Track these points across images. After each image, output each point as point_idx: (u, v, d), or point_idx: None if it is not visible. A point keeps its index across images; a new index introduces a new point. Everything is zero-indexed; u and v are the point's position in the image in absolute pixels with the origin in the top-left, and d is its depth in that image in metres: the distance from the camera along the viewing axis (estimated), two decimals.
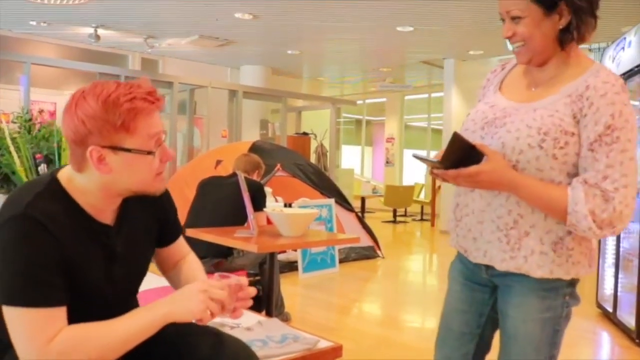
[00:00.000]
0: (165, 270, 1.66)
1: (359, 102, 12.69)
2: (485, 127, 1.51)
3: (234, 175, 3.84)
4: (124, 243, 1.41)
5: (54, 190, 1.31)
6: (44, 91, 7.96)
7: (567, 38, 1.43)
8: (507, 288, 1.53)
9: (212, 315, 1.31)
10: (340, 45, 8.45)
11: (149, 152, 1.31)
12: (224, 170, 5.18)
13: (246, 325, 2.42)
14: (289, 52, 9.06)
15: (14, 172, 4.98)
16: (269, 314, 3.21)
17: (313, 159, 10.25)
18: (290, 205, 5.46)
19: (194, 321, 1.33)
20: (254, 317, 2.64)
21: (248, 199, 3.05)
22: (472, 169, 1.39)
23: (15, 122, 5.65)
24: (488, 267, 1.54)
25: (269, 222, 3.73)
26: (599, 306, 4.58)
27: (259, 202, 3.47)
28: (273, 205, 4.76)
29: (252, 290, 1.43)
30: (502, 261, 1.48)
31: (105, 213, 1.37)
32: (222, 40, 8.20)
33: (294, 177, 6.22)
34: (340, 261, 6.16)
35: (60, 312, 1.24)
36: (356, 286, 5.79)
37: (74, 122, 1.26)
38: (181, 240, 1.66)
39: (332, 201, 6.22)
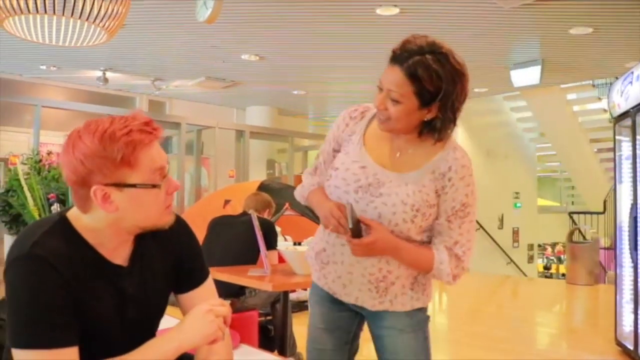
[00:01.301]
0: None
1: None
2: (360, 191, 1.65)
3: (245, 214, 3.82)
4: (136, 284, 1.36)
5: (62, 229, 1.27)
6: (53, 133, 8.03)
7: (425, 130, 1.62)
8: (376, 316, 1.75)
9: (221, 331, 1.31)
10: (346, 85, 8.53)
11: (154, 186, 1.27)
12: (233, 210, 5.17)
13: None
14: (295, 92, 9.14)
15: (25, 212, 4.99)
16: (282, 354, 3.14)
17: None
18: (299, 244, 5.42)
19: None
20: (269, 357, 2.59)
21: (261, 238, 3.03)
22: (370, 238, 1.59)
23: (25, 164, 5.69)
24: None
25: (280, 260, 3.70)
26: (619, 344, 4.47)
27: (271, 241, 3.45)
28: (282, 244, 4.73)
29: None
30: (372, 306, 1.72)
31: (117, 252, 1.33)
32: (229, 81, 8.30)
33: (302, 216, 6.19)
34: None
35: (71, 352, 1.20)
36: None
37: (73, 164, 1.22)
38: (208, 287, 1.51)
39: None
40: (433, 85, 1.52)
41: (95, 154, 1.21)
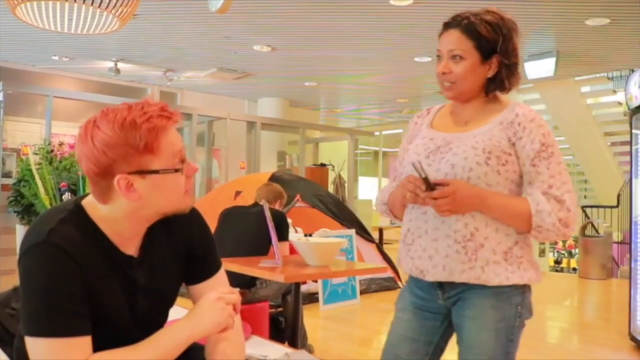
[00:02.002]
0: None
1: (376, 133, 12.70)
2: (430, 155, 1.65)
3: (256, 205, 3.81)
4: (147, 274, 1.35)
5: (78, 217, 1.26)
6: (65, 124, 8.06)
7: (492, 87, 1.64)
8: (462, 302, 1.63)
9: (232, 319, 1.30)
10: (357, 76, 8.49)
11: (176, 170, 1.26)
12: (243, 201, 5.16)
13: (273, 357, 2.36)
14: (306, 84, 9.11)
15: (38, 201, 5.01)
16: (293, 345, 3.13)
17: (331, 190, 10.21)
18: (310, 236, 5.40)
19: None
20: (280, 348, 2.57)
21: (273, 229, 3.01)
22: (450, 187, 1.52)
23: (37, 154, 5.71)
24: (444, 290, 1.65)
25: (291, 251, 3.68)
26: (633, 339, 4.43)
27: (282, 232, 3.43)
28: (293, 235, 4.72)
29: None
30: (461, 272, 1.58)
31: (130, 242, 1.32)
32: (240, 72, 8.28)
33: (313, 208, 6.18)
34: (361, 292, 6.07)
35: (84, 341, 1.20)
36: (378, 318, 5.67)
37: (95, 155, 1.20)
38: (220, 278, 1.49)
39: (352, 232, 6.15)
40: (490, 34, 1.59)
41: (118, 142, 1.19)
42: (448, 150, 1.62)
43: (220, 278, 1.49)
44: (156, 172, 1.23)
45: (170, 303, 1.45)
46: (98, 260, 1.25)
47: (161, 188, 1.25)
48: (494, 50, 1.60)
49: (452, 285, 1.63)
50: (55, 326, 1.17)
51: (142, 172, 1.22)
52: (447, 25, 1.64)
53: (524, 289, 1.62)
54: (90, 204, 1.29)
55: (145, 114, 1.21)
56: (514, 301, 1.60)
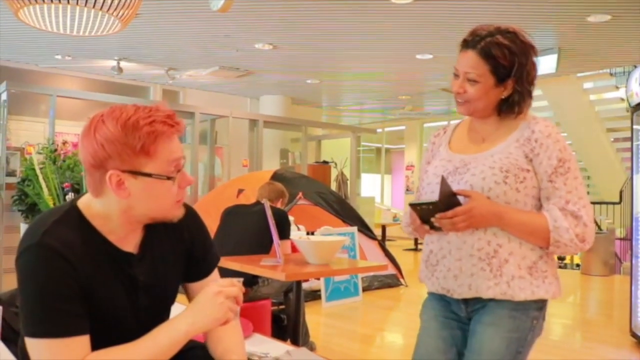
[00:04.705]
0: None
1: (378, 130, 12.70)
2: (449, 177, 1.66)
3: (258, 203, 3.83)
4: (147, 272, 1.36)
5: (73, 217, 1.28)
6: (68, 123, 8.08)
7: (504, 107, 1.66)
8: (482, 309, 1.65)
9: (232, 312, 1.30)
10: (359, 74, 8.49)
11: (169, 178, 1.28)
12: (246, 199, 5.18)
13: (274, 355, 2.37)
14: (308, 81, 9.12)
15: (41, 201, 5.03)
16: (295, 343, 3.15)
17: (334, 187, 10.22)
18: (312, 234, 5.42)
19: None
20: (281, 346, 2.59)
21: (274, 227, 3.03)
22: (467, 206, 1.55)
23: (40, 153, 5.73)
24: (467, 304, 1.67)
25: (293, 250, 3.71)
26: (634, 335, 4.44)
27: (284, 230, 3.45)
28: (295, 233, 4.73)
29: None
30: (487, 289, 1.60)
31: (128, 240, 1.33)
32: (242, 70, 8.29)
33: (315, 206, 6.20)
34: (363, 290, 6.09)
35: (82, 341, 1.22)
36: (380, 315, 5.69)
37: (93, 147, 1.23)
38: (215, 277, 1.55)
39: (354, 229, 6.17)
40: (507, 60, 1.60)
41: (117, 139, 1.22)
42: (466, 171, 1.65)
43: (216, 275, 1.54)
44: (149, 175, 1.25)
45: (171, 300, 1.47)
46: (96, 259, 1.27)
47: (151, 192, 1.27)
48: (509, 74, 1.62)
49: (477, 300, 1.65)
50: (51, 326, 1.19)
51: (135, 173, 1.25)
52: (465, 44, 1.65)
53: (543, 304, 1.65)
54: (85, 203, 1.31)
55: (150, 117, 1.24)
56: (531, 314, 1.63)
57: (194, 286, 1.51)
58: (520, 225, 1.58)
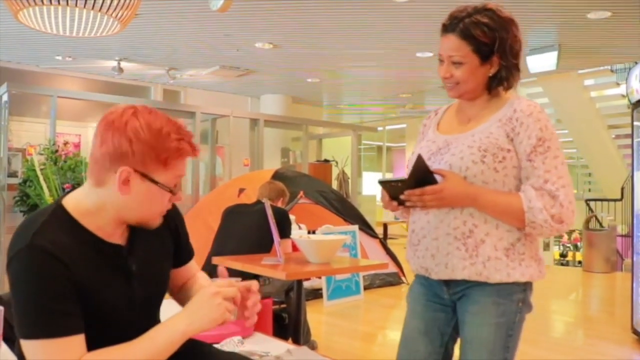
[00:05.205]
0: (174, 291, 1.63)
1: (379, 128, 12.70)
2: (432, 157, 1.69)
3: (259, 202, 3.84)
4: (139, 262, 1.39)
5: (59, 217, 1.29)
6: (69, 123, 8.10)
7: (494, 84, 1.67)
8: (465, 298, 1.66)
9: (230, 313, 1.31)
10: (360, 72, 8.49)
11: (171, 191, 1.34)
12: (247, 199, 5.19)
13: (275, 354, 2.38)
14: (309, 80, 9.12)
15: (42, 202, 5.04)
16: (296, 342, 3.16)
17: (335, 186, 10.23)
18: (313, 232, 5.43)
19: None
20: (282, 345, 2.60)
21: (274, 226, 3.04)
22: (438, 186, 1.57)
23: (42, 154, 5.75)
24: (449, 286, 1.68)
25: (294, 249, 3.71)
26: (635, 332, 4.44)
27: (284, 229, 3.45)
28: (297, 232, 4.74)
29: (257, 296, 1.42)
30: (463, 269, 1.60)
31: (115, 233, 1.36)
32: (243, 70, 8.30)
33: (316, 205, 6.20)
34: (365, 288, 6.09)
35: (78, 340, 1.22)
36: (382, 313, 5.70)
37: (120, 139, 1.26)
38: (193, 262, 1.65)
39: (355, 228, 6.18)
40: (487, 37, 1.61)
41: (148, 141, 1.26)
42: (447, 151, 1.67)
43: (192, 263, 1.64)
44: (156, 182, 1.30)
45: (164, 287, 1.51)
46: (87, 255, 1.28)
47: (150, 197, 1.32)
48: (492, 51, 1.62)
49: (456, 282, 1.66)
50: (46, 327, 1.19)
51: (145, 176, 1.28)
52: (445, 29, 1.66)
53: (525, 286, 1.64)
54: (70, 201, 1.33)
55: (180, 134, 1.30)
56: (515, 297, 1.63)
57: (175, 272, 1.58)
58: (495, 206, 1.59)
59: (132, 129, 1.26)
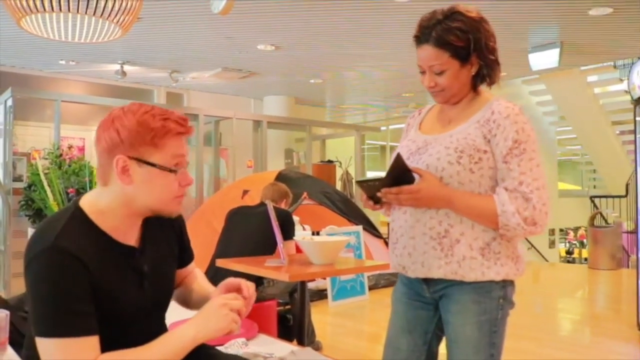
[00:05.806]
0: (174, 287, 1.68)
1: (382, 128, 12.70)
2: (411, 156, 1.72)
3: (262, 204, 3.85)
4: (150, 262, 1.44)
5: (78, 219, 1.34)
6: (73, 127, 8.13)
7: (478, 82, 1.71)
8: (446, 298, 1.69)
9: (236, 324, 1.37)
10: (362, 72, 8.49)
11: (171, 170, 1.35)
12: (251, 200, 5.20)
13: (279, 355, 2.39)
14: (312, 81, 9.13)
15: (46, 207, 5.07)
16: (301, 343, 3.17)
17: (339, 186, 10.23)
18: (318, 233, 5.44)
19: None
20: (286, 346, 2.61)
21: (277, 228, 3.05)
22: (414, 186, 1.60)
23: (46, 159, 5.78)
24: (428, 285, 1.71)
25: (297, 250, 3.72)
26: None
27: (288, 231, 3.46)
28: (301, 233, 4.75)
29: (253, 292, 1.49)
30: (438, 268, 1.63)
31: (128, 235, 1.40)
32: (245, 72, 8.31)
33: (320, 205, 6.21)
34: (370, 288, 6.10)
35: (94, 341, 1.25)
36: (387, 313, 5.65)
37: (109, 133, 1.33)
38: (194, 265, 1.71)
39: (359, 228, 6.19)
40: (461, 40, 1.63)
41: (132, 127, 1.32)
42: (425, 151, 1.70)
43: (194, 265, 1.71)
44: (153, 165, 1.34)
45: (172, 287, 1.57)
46: (103, 257, 1.32)
47: (153, 182, 1.35)
48: (469, 52, 1.65)
49: (434, 281, 1.69)
50: (65, 327, 1.22)
51: (140, 161, 1.33)
52: (418, 40, 1.69)
53: (504, 283, 1.66)
54: (87, 202, 1.38)
55: (164, 114, 1.35)
56: (495, 295, 1.65)
57: (178, 272, 1.62)
58: (469, 209, 1.61)
59: (118, 120, 1.34)
